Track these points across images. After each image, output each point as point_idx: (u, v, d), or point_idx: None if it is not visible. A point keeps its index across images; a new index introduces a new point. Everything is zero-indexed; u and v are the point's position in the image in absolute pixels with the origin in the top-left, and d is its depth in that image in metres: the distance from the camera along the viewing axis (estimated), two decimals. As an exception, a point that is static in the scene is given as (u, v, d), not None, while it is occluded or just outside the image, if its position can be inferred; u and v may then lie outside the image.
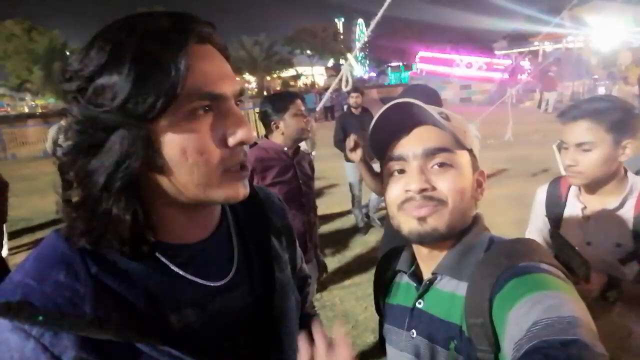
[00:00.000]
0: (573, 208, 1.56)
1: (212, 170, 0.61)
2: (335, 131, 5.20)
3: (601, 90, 15.33)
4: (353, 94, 5.37)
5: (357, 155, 2.11)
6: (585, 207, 1.52)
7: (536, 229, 1.72)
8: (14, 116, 33.18)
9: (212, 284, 0.70)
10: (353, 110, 5.35)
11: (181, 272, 0.67)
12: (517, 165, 7.89)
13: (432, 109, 0.78)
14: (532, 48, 20.33)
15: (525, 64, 20.09)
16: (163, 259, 0.66)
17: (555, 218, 1.62)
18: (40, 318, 0.54)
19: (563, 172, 1.58)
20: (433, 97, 2.35)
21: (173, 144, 0.59)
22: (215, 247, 0.73)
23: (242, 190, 0.66)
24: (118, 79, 0.55)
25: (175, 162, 0.59)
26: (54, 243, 0.61)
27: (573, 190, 1.58)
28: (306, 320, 0.90)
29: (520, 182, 6.89)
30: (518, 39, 23.94)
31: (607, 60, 17.75)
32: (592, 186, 1.47)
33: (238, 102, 0.66)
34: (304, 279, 1.02)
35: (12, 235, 5.52)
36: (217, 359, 0.68)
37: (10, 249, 4.62)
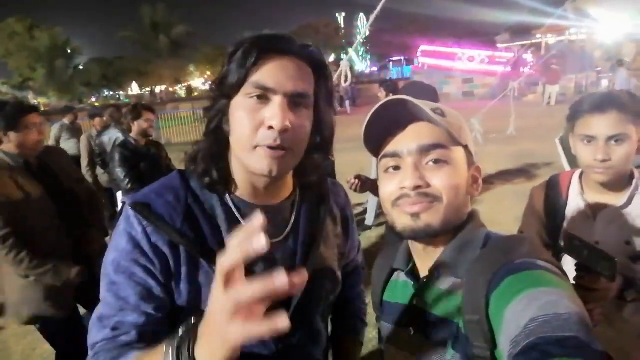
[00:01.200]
0: (577, 207, 1.50)
1: (245, 141, 0.82)
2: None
3: (604, 83, 15.25)
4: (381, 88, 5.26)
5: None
6: (591, 206, 1.46)
7: (535, 232, 1.64)
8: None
9: None
10: None
11: (242, 221, 0.89)
12: (520, 159, 7.85)
13: (426, 106, 0.78)
14: (534, 41, 20.21)
15: (528, 57, 19.98)
16: (232, 207, 0.90)
17: (556, 219, 1.56)
18: (151, 217, 0.83)
19: (567, 167, 1.53)
20: (430, 94, 2.41)
21: (233, 115, 0.84)
22: (276, 214, 0.94)
23: (265, 165, 0.82)
24: (222, 70, 0.86)
25: (233, 129, 0.85)
26: (174, 177, 0.92)
27: (575, 188, 1.53)
28: (349, 310, 1.22)
29: (524, 176, 6.87)
30: (521, 31, 23.78)
31: (610, 53, 17.63)
32: (612, 183, 1.40)
33: (298, 101, 0.83)
34: (355, 268, 1.26)
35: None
36: None
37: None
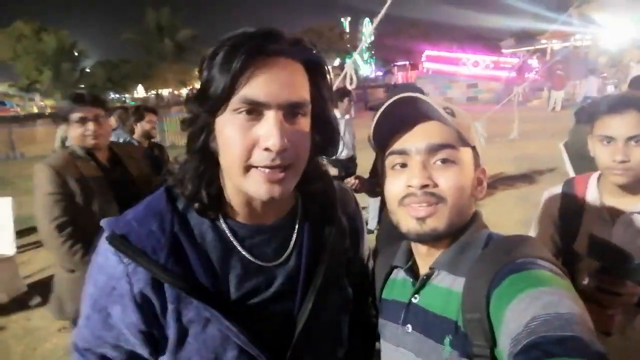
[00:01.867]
0: (595, 211, 1.45)
1: (237, 163, 0.72)
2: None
3: (610, 89, 15.19)
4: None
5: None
6: (609, 209, 1.42)
7: (548, 237, 1.59)
8: (24, 116, 33.50)
9: (260, 263, 0.81)
10: None
11: (238, 247, 0.80)
12: (524, 164, 7.84)
13: (437, 104, 0.78)
14: (539, 46, 20.18)
15: (533, 62, 19.94)
16: (227, 232, 0.80)
17: (572, 223, 1.50)
18: (130, 253, 0.73)
19: (571, 173, 1.51)
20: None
21: (221, 133, 0.73)
22: (274, 234, 0.84)
23: (264, 190, 0.73)
24: (202, 75, 0.73)
25: (221, 148, 0.74)
26: (159, 197, 0.81)
27: (592, 192, 1.48)
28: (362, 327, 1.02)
29: (527, 181, 6.85)
30: (525, 37, 23.76)
31: (615, 59, 17.56)
32: (631, 185, 1.36)
33: (295, 111, 0.73)
34: (368, 281, 1.08)
35: (20, 234, 5.57)
36: (247, 322, 0.77)
37: (18, 247, 4.66)
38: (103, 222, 0.77)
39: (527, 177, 7.04)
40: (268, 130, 0.69)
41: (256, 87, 0.69)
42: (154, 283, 0.75)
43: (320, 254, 0.86)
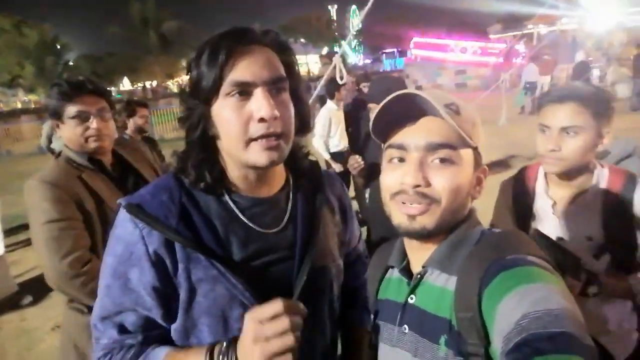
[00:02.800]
0: (542, 202, 1.49)
1: (238, 139, 0.83)
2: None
3: (596, 73, 15.31)
4: (365, 84, 5.19)
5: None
6: (554, 202, 1.45)
7: (503, 223, 1.61)
8: (7, 112, 32.87)
9: (261, 230, 0.92)
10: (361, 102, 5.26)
11: (240, 215, 0.91)
12: (512, 150, 7.88)
13: (440, 101, 0.75)
14: (526, 31, 20.23)
15: (520, 47, 19.98)
16: (230, 203, 0.91)
17: (524, 214, 1.53)
18: (145, 218, 0.83)
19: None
20: (399, 86, 2.42)
21: (218, 117, 0.84)
22: (271, 205, 0.95)
23: (264, 157, 0.84)
24: (191, 74, 0.85)
25: (221, 131, 0.85)
26: (167, 177, 0.92)
27: (541, 183, 1.51)
28: (355, 297, 1.17)
29: (515, 167, 6.88)
30: (512, 22, 23.78)
31: (601, 42, 17.68)
32: (566, 176, 1.39)
33: (278, 87, 0.85)
34: (357, 257, 1.24)
35: (9, 233, 5.51)
36: (250, 282, 0.86)
37: (6, 246, 4.61)
38: (120, 200, 0.88)
39: (517, 163, 7.09)
40: (259, 103, 0.81)
41: (242, 70, 0.81)
42: (166, 244, 0.84)
43: (313, 224, 0.98)
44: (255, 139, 0.83)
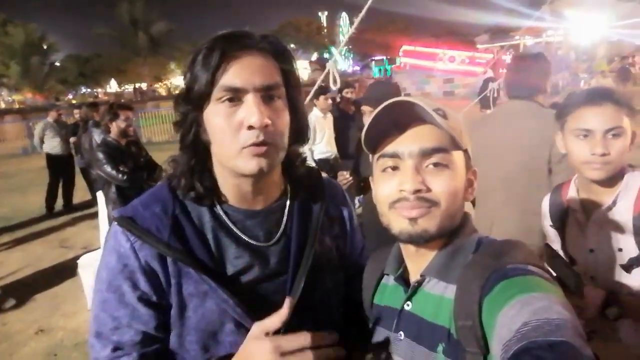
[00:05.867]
0: (573, 214, 1.43)
1: (228, 146, 0.81)
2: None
3: (581, 85, 15.57)
4: (348, 89, 5.25)
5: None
6: (583, 211, 1.38)
7: (550, 241, 1.57)
8: (-9, 112, 32.23)
9: (254, 243, 0.90)
10: (345, 108, 5.22)
11: (233, 228, 0.89)
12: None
13: (429, 107, 0.76)
14: (512, 42, 20.54)
15: (507, 58, 20.26)
16: (222, 215, 0.89)
17: (561, 227, 1.47)
18: (136, 231, 0.82)
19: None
20: (395, 92, 2.48)
21: (210, 124, 0.82)
22: (265, 218, 0.93)
23: (253, 165, 0.81)
24: (185, 78, 0.84)
25: (212, 137, 0.83)
26: (161, 187, 0.91)
27: (572, 193, 1.44)
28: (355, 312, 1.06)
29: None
30: (499, 33, 24.15)
31: (586, 55, 18.02)
32: (607, 180, 1.30)
33: (271, 94, 0.82)
34: (360, 269, 1.09)
35: (-8, 235, 5.40)
36: (242, 297, 0.84)
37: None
38: (114, 211, 0.89)
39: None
40: (249, 110, 0.79)
41: (233, 75, 0.79)
42: (159, 257, 0.83)
43: (309, 236, 0.94)
44: (246, 147, 0.80)
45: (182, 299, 0.84)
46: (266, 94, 0.82)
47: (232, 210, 0.90)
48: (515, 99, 2.26)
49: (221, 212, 0.90)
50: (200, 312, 0.83)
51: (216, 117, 0.81)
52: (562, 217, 1.47)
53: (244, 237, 0.89)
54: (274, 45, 0.86)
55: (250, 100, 0.79)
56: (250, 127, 0.79)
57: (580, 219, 1.40)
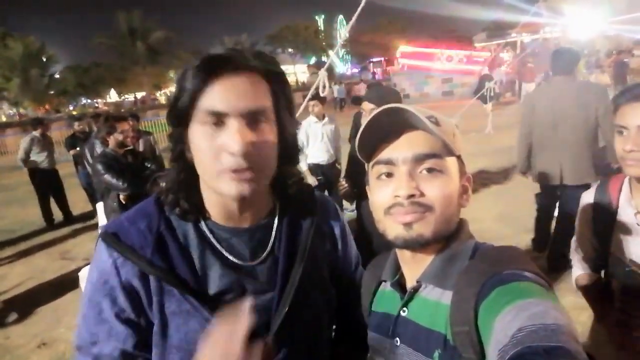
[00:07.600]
0: (626, 215, 1.35)
1: (208, 168, 0.79)
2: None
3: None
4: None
5: None
6: (638, 212, 1.32)
7: (586, 240, 1.52)
8: (-8, 125, 32.42)
9: (239, 262, 0.88)
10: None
11: (217, 246, 0.88)
12: (499, 158, 7.94)
13: (422, 114, 0.77)
14: (509, 39, 20.59)
15: (505, 55, 20.31)
16: (207, 233, 0.88)
17: (606, 228, 1.42)
18: (119, 247, 0.82)
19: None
20: (394, 96, 2.53)
21: (193, 142, 0.81)
22: (251, 236, 0.91)
23: (234, 190, 0.78)
24: (172, 97, 0.83)
25: (195, 156, 0.81)
26: (149, 202, 0.90)
27: (625, 193, 1.38)
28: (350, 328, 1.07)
29: (503, 175, 6.95)
30: (497, 30, 24.18)
31: (585, 50, 18.02)
32: None
33: (256, 118, 0.79)
34: (352, 285, 1.09)
35: (-7, 248, 5.41)
36: None
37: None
38: (100, 226, 0.88)
39: (504, 171, 7.15)
40: (230, 137, 0.76)
41: (216, 99, 0.76)
42: (140, 276, 0.82)
43: (297, 254, 0.93)
44: (227, 171, 0.78)
45: (164, 317, 0.83)
46: (251, 118, 0.78)
47: (217, 228, 0.89)
48: (558, 75, 3.48)
49: (206, 230, 0.88)
50: (183, 331, 0.82)
51: (198, 138, 0.78)
52: (610, 218, 1.41)
53: (228, 255, 0.87)
54: (267, 64, 0.82)
55: (232, 125, 0.76)
56: (231, 154, 0.76)
57: (636, 224, 1.35)
